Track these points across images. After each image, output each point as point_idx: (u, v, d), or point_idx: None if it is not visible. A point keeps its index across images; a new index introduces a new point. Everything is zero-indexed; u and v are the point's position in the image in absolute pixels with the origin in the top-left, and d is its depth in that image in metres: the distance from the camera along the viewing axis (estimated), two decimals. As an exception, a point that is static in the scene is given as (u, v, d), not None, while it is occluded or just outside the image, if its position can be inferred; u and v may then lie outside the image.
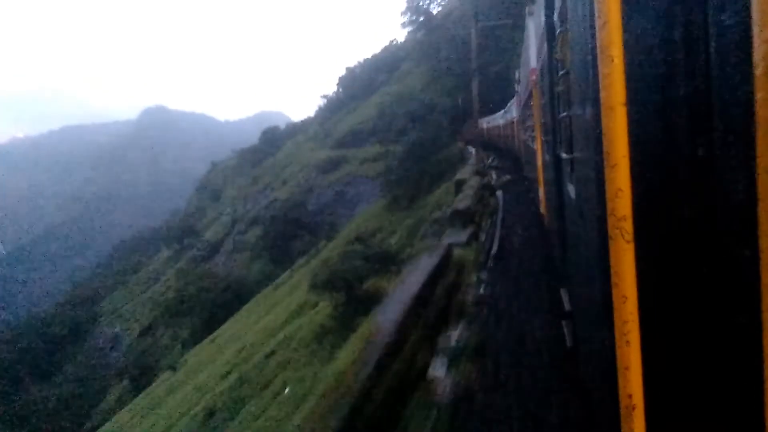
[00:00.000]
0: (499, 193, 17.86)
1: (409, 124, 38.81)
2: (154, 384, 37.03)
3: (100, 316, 76.59)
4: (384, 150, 41.79)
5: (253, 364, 24.07)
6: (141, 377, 42.03)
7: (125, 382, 43.62)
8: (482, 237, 11.78)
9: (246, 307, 39.94)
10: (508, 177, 20.62)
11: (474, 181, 18.04)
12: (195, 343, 41.23)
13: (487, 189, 18.06)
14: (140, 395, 37.08)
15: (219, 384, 24.75)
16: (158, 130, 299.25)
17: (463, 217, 12.98)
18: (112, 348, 64.62)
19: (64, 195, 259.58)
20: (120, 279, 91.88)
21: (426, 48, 59.63)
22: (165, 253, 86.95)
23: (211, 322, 42.44)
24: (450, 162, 33.44)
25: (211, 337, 38.32)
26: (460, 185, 18.38)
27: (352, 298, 19.10)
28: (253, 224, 58.29)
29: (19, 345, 66.98)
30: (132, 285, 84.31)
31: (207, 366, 31.23)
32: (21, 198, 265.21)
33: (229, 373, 25.85)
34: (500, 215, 13.96)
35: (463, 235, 11.44)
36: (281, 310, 31.03)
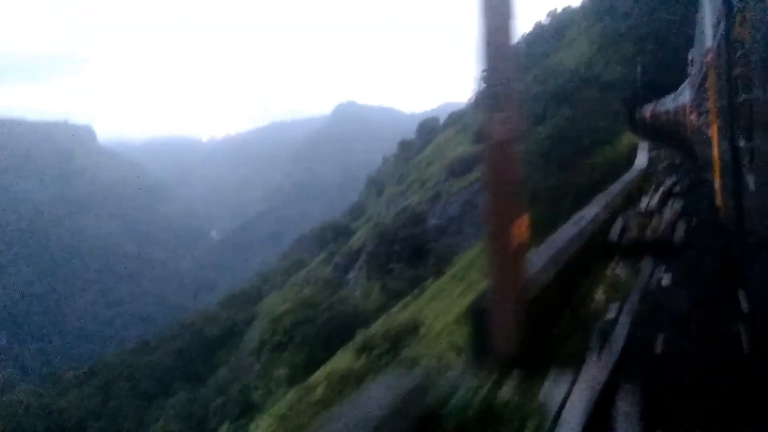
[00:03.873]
0: None
1: (551, 107, 25.97)
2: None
3: (256, 318, 74.96)
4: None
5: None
6: (241, 417, 36.57)
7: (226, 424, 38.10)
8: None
9: (340, 353, 31.69)
10: None
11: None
12: (299, 381, 34.68)
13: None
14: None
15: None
16: (348, 124, 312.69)
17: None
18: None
19: (267, 186, 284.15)
20: (283, 278, 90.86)
21: (598, 5, 44.47)
22: (322, 254, 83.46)
23: (310, 362, 35.17)
24: (615, 167, 21.00)
25: (296, 389, 30.96)
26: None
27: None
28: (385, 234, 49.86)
29: (175, 347, 67.22)
30: (288, 286, 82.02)
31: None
32: (233, 189, 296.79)
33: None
34: None
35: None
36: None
